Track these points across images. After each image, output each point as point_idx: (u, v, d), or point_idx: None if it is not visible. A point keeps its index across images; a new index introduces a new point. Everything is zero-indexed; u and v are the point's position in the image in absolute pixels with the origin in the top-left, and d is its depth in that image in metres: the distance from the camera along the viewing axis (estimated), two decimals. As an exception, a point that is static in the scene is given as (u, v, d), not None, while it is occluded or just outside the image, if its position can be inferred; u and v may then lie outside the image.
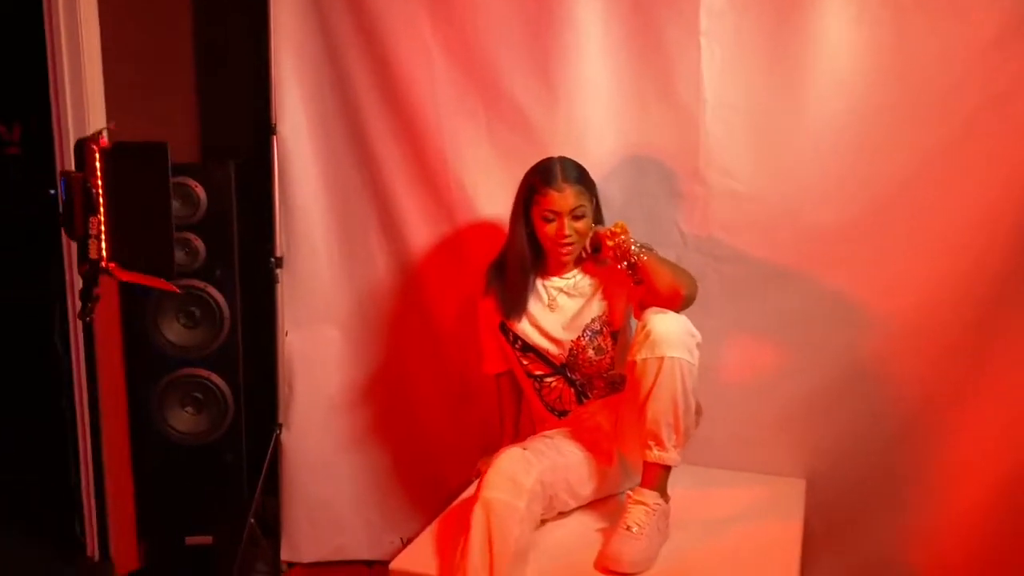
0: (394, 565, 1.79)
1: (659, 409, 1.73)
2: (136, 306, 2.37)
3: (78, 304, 2.43)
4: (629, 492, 1.80)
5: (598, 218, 2.02)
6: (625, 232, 1.88)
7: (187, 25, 2.69)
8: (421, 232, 2.43)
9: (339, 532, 2.62)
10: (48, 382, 2.70)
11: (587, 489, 1.95)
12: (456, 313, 2.43)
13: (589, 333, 2.00)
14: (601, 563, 1.70)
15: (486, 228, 2.32)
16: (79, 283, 2.41)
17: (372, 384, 2.57)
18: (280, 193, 2.47)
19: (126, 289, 2.40)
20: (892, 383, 2.10)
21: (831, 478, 2.16)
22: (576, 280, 2.04)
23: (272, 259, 2.49)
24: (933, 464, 2.09)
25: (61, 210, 1.56)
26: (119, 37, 2.49)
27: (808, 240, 2.12)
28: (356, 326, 2.55)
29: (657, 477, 1.77)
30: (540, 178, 1.95)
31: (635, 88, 2.19)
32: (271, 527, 2.62)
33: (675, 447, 1.76)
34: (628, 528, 1.71)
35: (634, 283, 1.90)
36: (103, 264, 1.55)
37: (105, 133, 1.56)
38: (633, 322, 2.01)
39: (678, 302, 1.80)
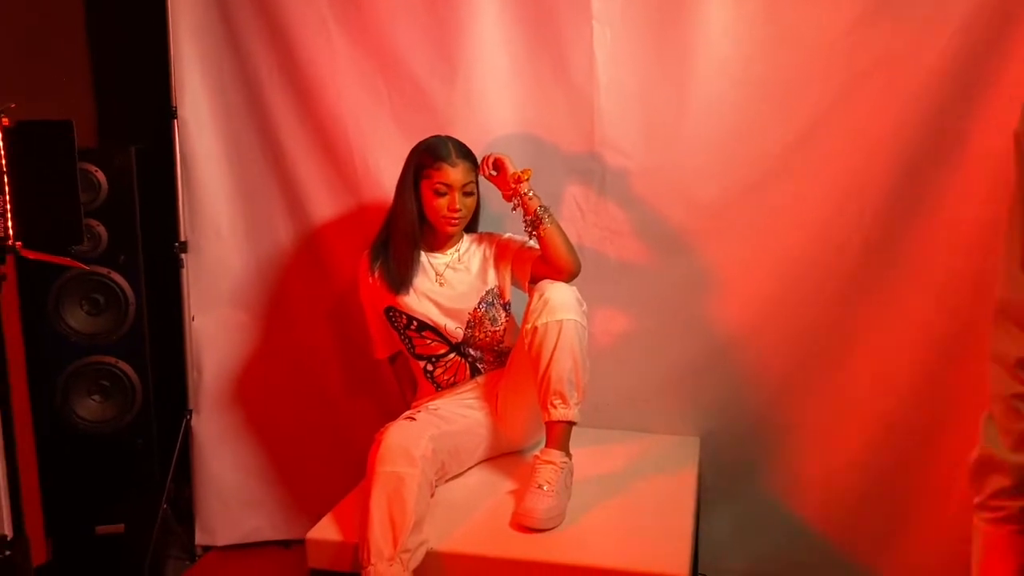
0: (311, 535, 1.84)
1: (562, 368, 1.84)
2: (37, 293, 2.33)
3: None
4: (536, 453, 1.89)
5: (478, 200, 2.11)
6: (528, 180, 1.99)
7: (79, 4, 2.63)
8: (326, 211, 2.46)
9: (253, 514, 2.64)
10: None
11: (475, 454, 2.07)
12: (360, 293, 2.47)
13: (484, 304, 2.08)
14: (516, 520, 1.79)
15: (388, 205, 2.37)
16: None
17: (280, 365, 2.59)
18: (182, 177, 2.46)
19: (26, 276, 2.36)
20: (770, 344, 2.25)
21: (721, 434, 2.31)
22: (460, 253, 2.12)
23: (176, 243, 2.49)
24: (810, 416, 2.25)
25: None
26: (9, 17, 2.42)
27: (692, 210, 2.24)
28: (263, 308, 2.57)
29: (561, 435, 1.87)
30: (432, 154, 2.02)
31: (532, 67, 2.28)
32: (184, 513, 2.62)
33: (577, 404, 1.87)
34: (540, 487, 1.80)
35: (527, 236, 2.01)
36: (9, 243, 1.54)
37: (3, 113, 1.54)
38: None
39: (567, 276, 1.95)
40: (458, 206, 2.00)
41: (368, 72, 2.35)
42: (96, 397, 2.40)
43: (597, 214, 2.30)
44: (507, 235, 2.14)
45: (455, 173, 2.00)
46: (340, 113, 2.38)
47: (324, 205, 2.45)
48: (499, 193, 2.07)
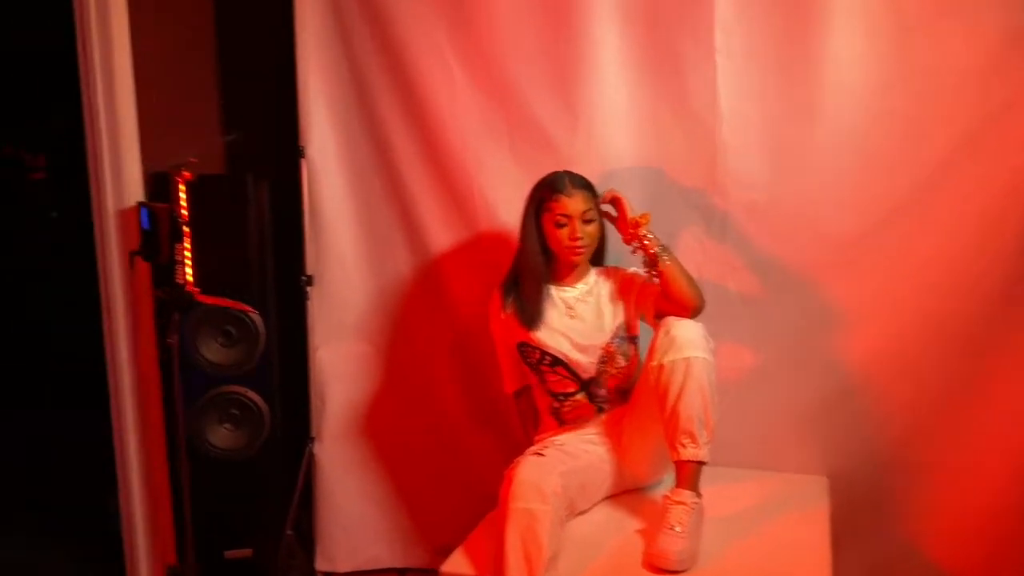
0: (444, 568, 1.86)
1: (691, 406, 1.82)
2: (174, 327, 2.43)
3: (115, 324, 2.53)
4: (666, 493, 1.87)
5: (603, 230, 2.12)
6: (647, 223, 2.00)
7: (212, 50, 2.76)
8: (447, 248, 2.51)
9: (372, 541, 2.69)
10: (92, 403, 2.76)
11: (600, 490, 2.07)
12: (482, 324, 2.50)
13: (616, 339, 2.09)
14: (649, 562, 1.78)
15: (509, 241, 2.39)
16: (118, 305, 2.52)
17: (401, 395, 2.64)
18: (309, 212, 2.55)
19: (163, 311, 2.48)
20: (902, 380, 2.18)
21: (851, 473, 2.24)
22: (589, 286, 2.13)
23: (303, 277, 2.57)
24: (945, 456, 2.17)
25: (142, 238, 1.64)
26: (147, 65, 2.56)
27: (823, 246, 2.20)
28: (385, 340, 2.63)
29: (691, 474, 1.85)
30: (549, 187, 2.06)
31: (652, 104, 2.28)
32: (307, 538, 2.68)
33: (706, 443, 1.85)
34: (672, 528, 1.78)
35: (647, 276, 2.02)
36: (187, 288, 1.64)
37: (185, 167, 1.64)
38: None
39: (690, 312, 1.93)
40: (579, 235, 2.03)
41: (489, 110, 2.40)
42: (227, 425, 2.49)
43: (718, 248, 2.28)
44: (632, 269, 2.13)
45: (572, 203, 2.02)
46: (461, 151, 2.43)
47: (444, 240, 2.50)
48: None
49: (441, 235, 2.50)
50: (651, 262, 1.98)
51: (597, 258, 2.16)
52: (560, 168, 2.14)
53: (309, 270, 2.58)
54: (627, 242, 2.04)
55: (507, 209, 2.39)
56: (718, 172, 2.24)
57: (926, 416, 2.18)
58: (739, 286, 2.27)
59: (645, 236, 1.98)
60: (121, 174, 2.46)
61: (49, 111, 3.18)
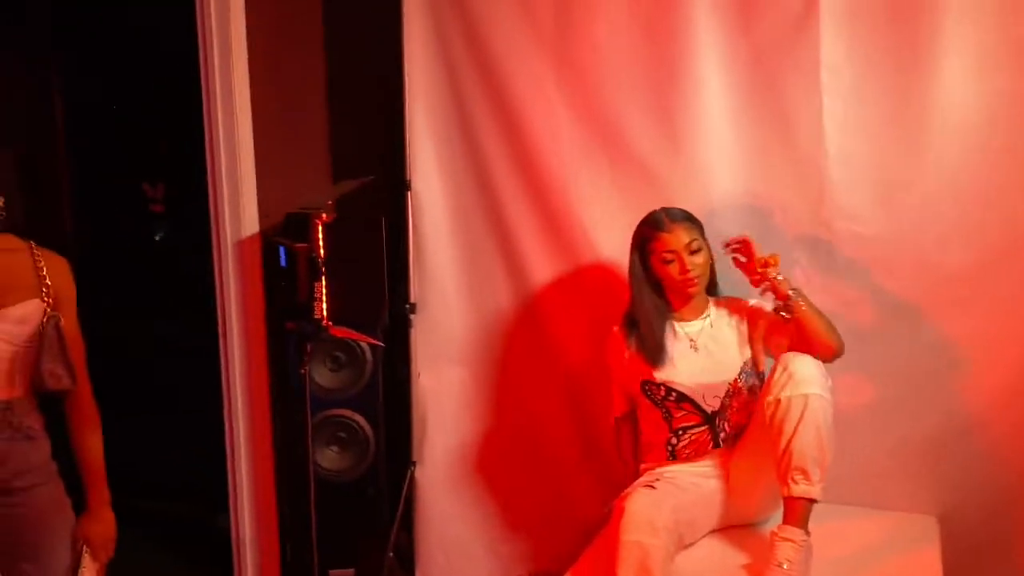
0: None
1: (806, 443, 1.82)
2: (287, 353, 2.54)
3: (230, 350, 2.66)
4: (774, 530, 1.87)
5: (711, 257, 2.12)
6: (777, 265, 1.97)
7: (322, 87, 2.88)
8: (546, 279, 2.55)
9: (470, 565, 2.73)
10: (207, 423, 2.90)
11: (708, 524, 2.07)
12: (581, 354, 2.53)
13: (744, 375, 2.09)
14: (758, 599, 1.79)
15: (609, 273, 2.43)
16: (233, 330, 2.65)
17: (501, 422, 2.69)
18: (414, 243, 2.63)
19: (276, 338, 2.60)
20: (1018, 420, 2.14)
21: (962, 514, 2.20)
22: (711, 319, 2.14)
23: (407, 304, 2.65)
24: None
25: (283, 276, 1.75)
26: (262, 103, 2.70)
27: (931, 281, 2.18)
28: (484, 367, 2.68)
29: (802, 512, 1.85)
30: (649, 227, 2.09)
31: (757, 140, 2.30)
32: (407, 560, 2.75)
33: (819, 481, 1.84)
34: (780, 565, 1.79)
35: (780, 319, 1.98)
36: (324, 323, 1.73)
37: (323, 211, 1.74)
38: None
39: (830, 356, 1.93)
40: (689, 267, 2.04)
41: (591, 143, 2.44)
42: (334, 448, 2.58)
43: (825, 283, 2.26)
44: (754, 302, 2.14)
45: (674, 238, 2.04)
46: (562, 183, 2.47)
47: (544, 273, 2.54)
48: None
49: (541, 267, 2.55)
50: (784, 306, 1.95)
51: (710, 287, 2.18)
52: (660, 202, 2.17)
53: (413, 298, 2.66)
54: (756, 284, 2.01)
55: (607, 241, 2.43)
56: (824, 206, 2.24)
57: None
58: (847, 320, 2.24)
59: (775, 278, 1.96)
60: (240, 208, 2.60)
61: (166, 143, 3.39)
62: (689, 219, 2.09)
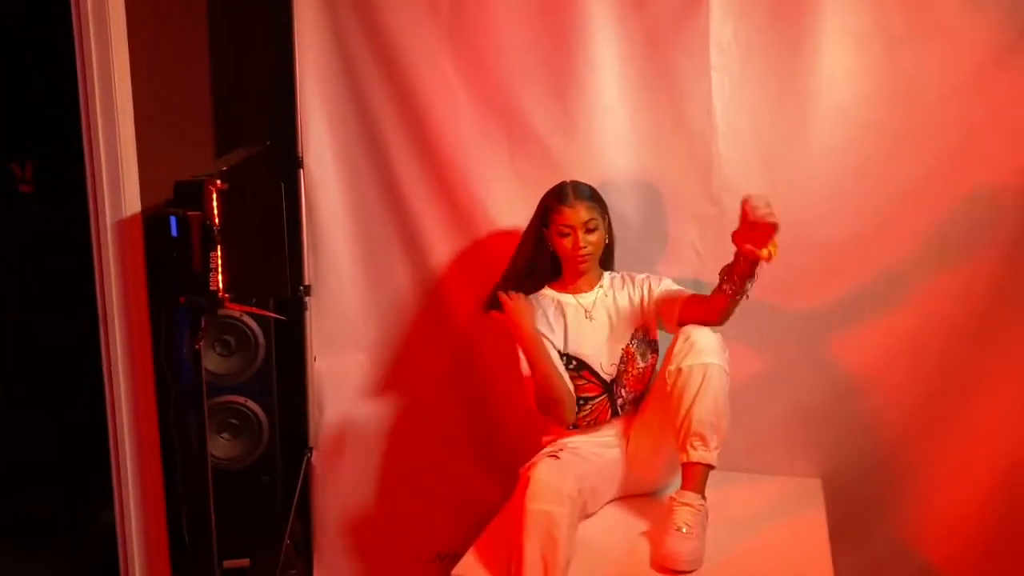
0: (456, 571, 1.89)
1: (705, 411, 1.87)
2: (173, 337, 2.43)
3: (111, 336, 2.52)
4: (673, 495, 1.92)
5: (611, 234, 2.18)
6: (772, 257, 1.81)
7: (205, 61, 2.76)
8: (446, 259, 2.54)
9: (370, 550, 2.70)
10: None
11: (608, 493, 2.13)
12: (480, 335, 2.53)
13: (636, 341, 2.14)
14: (659, 563, 1.83)
15: (509, 252, 2.40)
16: (114, 315, 2.51)
17: (399, 405, 2.66)
18: (308, 224, 2.56)
19: (158, 321, 2.48)
20: (895, 384, 2.26)
21: (844, 476, 2.31)
22: (604, 290, 2.18)
23: (301, 287, 2.58)
24: (938, 458, 2.25)
25: (175, 248, 1.66)
26: (142, 76, 2.56)
27: (815, 253, 2.26)
28: (382, 350, 2.64)
29: (700, 477, 1.90)
30: (554, 199, 2.12)
31: (650, 117, 2.34)
32: (305, 548, 2.69)
33: (716, 448, 1.90)
34: (679, 529, 1.83)
35: (724, 291, 1.92)
36: (220, 295, 1.65)
37: (218, 178, 1.66)
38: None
39: (718, 323, 2.00)
40: (581, 244, 2.08)
41: (488, 122, 2.44)
42: (225, 435, 2.49)
43: (715, 257, 2.31)
44: (643, 275, 2.19)
45: (573, 214, 2.08)
46: (460, 162, 2.46)
47: (443, 253, 2.53)
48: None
49: (440, 247, 2.53)
50: (735, 297, 1.91)
51: (607, 262, 2.22)
52: (558, 179, 2.19)
53: (307, 280, 2.59)
54: (747, 254, 1.82)
55: (507, 220, 2.44)
56: (714, 182, 2.31)
57: (917, 420, 2.25)
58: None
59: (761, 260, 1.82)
60: (120, 186, 2.46)
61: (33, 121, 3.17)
62: (592, 198, 2.12)
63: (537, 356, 2.02)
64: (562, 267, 2.18)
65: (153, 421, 2.60)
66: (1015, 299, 2.13)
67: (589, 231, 2.09)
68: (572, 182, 2.15)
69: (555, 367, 2.05)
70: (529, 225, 2.19)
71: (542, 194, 2.20)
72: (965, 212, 2.15)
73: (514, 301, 2.06)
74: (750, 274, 1.88)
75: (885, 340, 2.25)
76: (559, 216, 2.10)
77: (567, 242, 2.10)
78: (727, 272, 1.91)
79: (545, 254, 2.17)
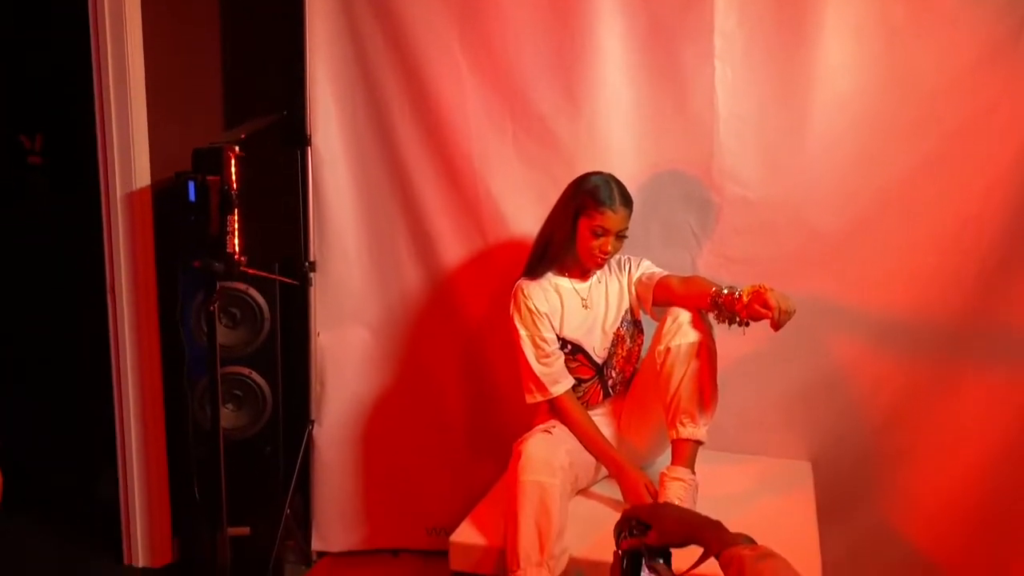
0: (454, 538, 1.94)
1: (693, 388, 1.92)
2: (179, 307, 2.48)
3: (118, 307, 2.57)
4: (664, 471, 1.97)
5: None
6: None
7: (216, 40, 2.79)
8: (449, 238, 2.58)
9: (367, 523, 2.75)
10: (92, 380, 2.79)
11: (601, 468, 2.16)
12: (482, 314, 2.58)
13: (625, 323, 2.18)
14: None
15: (512, 234, 2.49)
16: (122, 286, 2.56)
17: (399, 382, 2.71)
18: (314, 201, 2.61)
19: (167, 291, 2.53)
20: (884, 369, 2.32)
21: (833, 458, 2.37)
22: (599, 275, 2.21)
23: (306, 262, 2.63)
24: (925, 441, 2.31)
25: (193, 211, 1.72)
26: (154, 50, 2.59)
27: (811, 240, 2.32)
28: (385, 327, 2.69)
29: (689, 453, 1.95)
30: (597, 197, 2.03)
31: (653, 103, 2.39)
32: (304, 518, 2.74)
33: (705, 425, 1.95)
34: (671, 502, 1.88)
35: (717, 315, 1.90)
36: (237, 257, 1.71)
37: (236, 144, 1.71)
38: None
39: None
40: (609, 249, 2.06)
41: (496, 108, 2.48)
42: (229, 406, 2.54)
43: (712, 241, 2.39)
44: (625, 257, 2.22)
45: (615, 220, 2.03)
46: (465, 144, 2.50)
47: (446, 232, 2.57)
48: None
49: (443, 226, 2.57)
50: (730, 321, 1.87)
51: None
52: (561, 163, 2.22)
53: (312, 256, 2.64)
54: (738, 310, 1.83)
55: (510, 201, 2.48)
56: (714, 169, 2.35)
57: (904, 405, 2.31)
58: (731, 277, 2.35)
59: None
60: (131, 158, 2.51)
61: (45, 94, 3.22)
62: (630, 205, 2.07)
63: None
64: (573, 255, 2.14)
65: (158, 390, 2.66)
66: (1005, 286, 2.18)
67: (620, 238, 2.08)
68: (616, 181, 2.08)
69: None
70: (562, 211, 2.11)
71: (544, 176, 2.25)
72: (960, 201, 2.19)
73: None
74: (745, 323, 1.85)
75: (872, 326, 2.30)
76: (600, 216, 2.03)
77: (597, 243, 2.05)
78: (728, 302, 1.84)
79: (572, 243, 2.11)
